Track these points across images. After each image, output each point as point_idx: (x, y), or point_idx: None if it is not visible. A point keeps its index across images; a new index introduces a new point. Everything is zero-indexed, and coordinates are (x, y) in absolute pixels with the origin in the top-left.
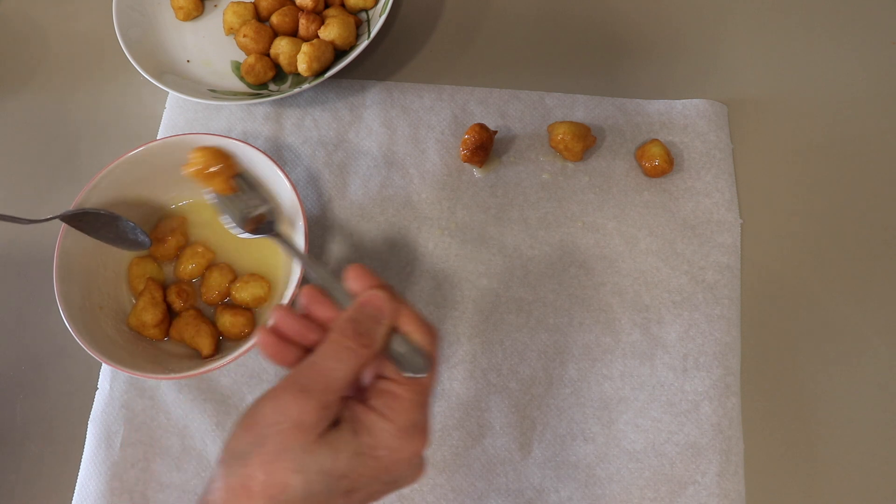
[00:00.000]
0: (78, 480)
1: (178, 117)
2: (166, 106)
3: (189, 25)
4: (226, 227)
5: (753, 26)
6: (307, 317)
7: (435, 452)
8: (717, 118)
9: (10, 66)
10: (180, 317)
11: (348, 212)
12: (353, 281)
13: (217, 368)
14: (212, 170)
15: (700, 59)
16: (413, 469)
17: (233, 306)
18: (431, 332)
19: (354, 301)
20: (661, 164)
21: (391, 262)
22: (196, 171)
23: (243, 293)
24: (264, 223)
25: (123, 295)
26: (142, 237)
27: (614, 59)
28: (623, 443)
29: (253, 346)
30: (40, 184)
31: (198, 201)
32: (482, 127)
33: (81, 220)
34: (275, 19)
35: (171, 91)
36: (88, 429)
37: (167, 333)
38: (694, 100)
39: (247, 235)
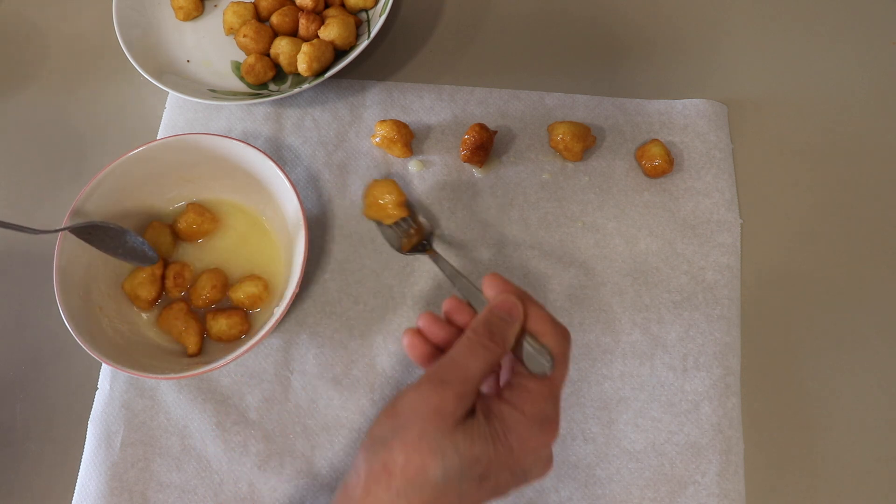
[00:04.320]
0: (78, 480)
1: (178, 117)
2: (166, 106)
3: (189, 25)
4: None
5: (753, 26)
6: (448, 322)
7: None
8: (717, 118)
9: (10, 66)
10: (171, 308)
11: (348, 212)
12: (489, 288)
13: (217, 368)
14: (383, 201)
15: (700, 59)
16: (542, 462)
17: (224, 308)
18: (560, 332)
19: (488, 305)
20: (662, 164)
21: (391, 262)
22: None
23: (238, 292)
24: (418, 244)
25: (123, 294)
26: (150, 252)
27: (614, 59)
28: (623, 443)
29: (253, 347)
30: (41, 184)
31: (197, 202)
32: (482, 127)
33: (90, 233)
34: (275, 19)
35: (171, 91)
36: (88, 429)
37: (152, 305)
38: (694, 100)
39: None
